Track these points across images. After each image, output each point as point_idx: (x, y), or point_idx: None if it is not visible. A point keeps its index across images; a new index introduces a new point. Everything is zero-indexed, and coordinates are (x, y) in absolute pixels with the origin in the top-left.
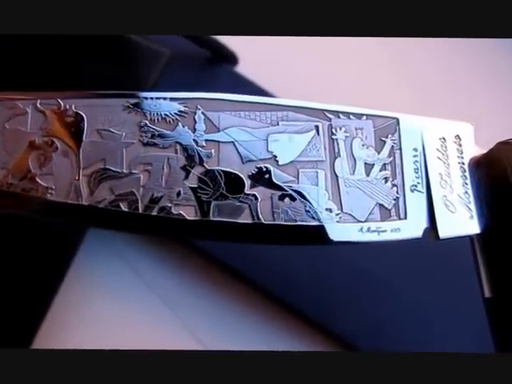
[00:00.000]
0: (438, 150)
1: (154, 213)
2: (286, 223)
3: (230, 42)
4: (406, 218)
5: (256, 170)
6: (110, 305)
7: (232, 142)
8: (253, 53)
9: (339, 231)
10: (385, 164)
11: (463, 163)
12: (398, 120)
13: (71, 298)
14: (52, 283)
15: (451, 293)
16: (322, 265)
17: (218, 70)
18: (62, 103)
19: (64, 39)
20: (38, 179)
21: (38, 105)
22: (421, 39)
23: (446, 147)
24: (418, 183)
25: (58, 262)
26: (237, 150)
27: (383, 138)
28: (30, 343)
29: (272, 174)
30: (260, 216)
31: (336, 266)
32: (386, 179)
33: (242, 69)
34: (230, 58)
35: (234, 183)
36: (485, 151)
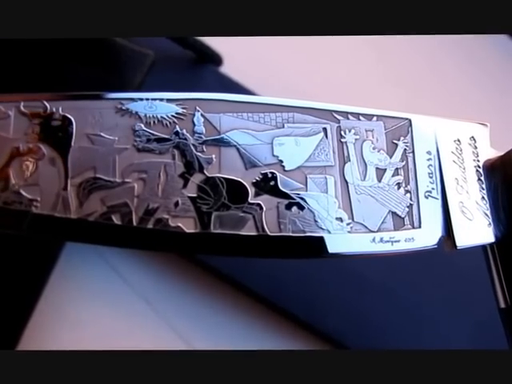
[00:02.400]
0: (453, 152)
1: (150, 226)
2: (294, 235)
3: (215, 42)
4: (420, 227)
5: (261, 176)
6: (94, 306)
7: (234, 146)
8: (237, 53)
9: (350, 242)
10: (397, 169)
11: (479, 166)
12: (410, 121)
13: (55, 300)
14: (36, 285)
15: (442, 290)
16: (310, 264)
17: (203, 71)
18: (47, 106)
19: (47, 43)
20: (21, 190)
21: (22, 107)
22: (409, 37)
23: (461, 150)
24: (433, 189)
25: (41, 264)
26: (240, 154)
27: (395, 141)
28: (16, 345)
29: (278, 181)
30: (265, 227)
31: (324, 265)
32: (399, 185)
33: (227, 69)
34: (215, 59)
35: (236, 192)
36: (501, 153)
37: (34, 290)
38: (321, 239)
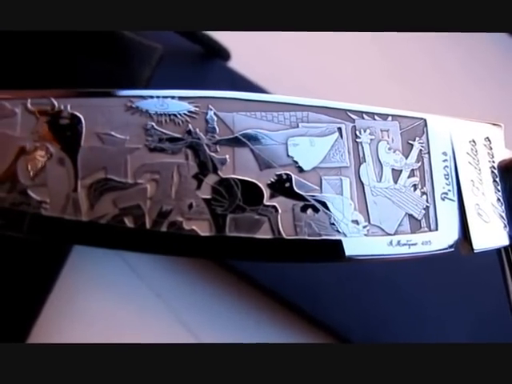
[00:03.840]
0: (468, 154)
1: (164, 229)
2: (310, 238)
3: (223, 37)
4: (437, 230)
5: (275, 177)
6: (104, 299)
7: (248, 146)
8: (245, 48)
9: (367, 246)
10: (413, 170)
11: (494, 168)
12: (425, 121)
13: (66, 293)
14: (47, 278)
15: (445, 285)
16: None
17: (211, 66)
18: (55, 103)
19: (55, 35)
20: (29, 191)
21: (29, 105)
22: (413, 34)
23: (476, 151)
24: (449, 191)
25: (52, 256)
26: (254, 155)
27: (410, 141)
28: (26, 338)
29: (293, 183)
30: (281, 230)
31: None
32: (415, 187)
33: (235, 64)
34: (223, 54)
35: (251, 193)
36: None
37: (46, 283)
38: (337, 243)
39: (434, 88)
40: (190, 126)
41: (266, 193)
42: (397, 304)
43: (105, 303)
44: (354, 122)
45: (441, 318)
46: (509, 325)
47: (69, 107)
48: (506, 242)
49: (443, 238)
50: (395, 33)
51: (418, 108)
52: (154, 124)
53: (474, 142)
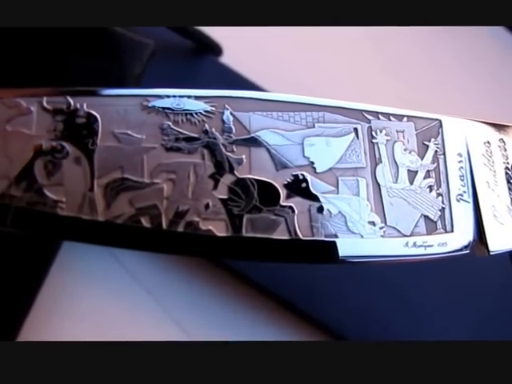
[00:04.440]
0: (483, 155)
1: (180, 229)
2: (327, 239)
3: (215, 32)
4: (452, 231)
5: (292, 178)
6: (94, 296)
7: (265, 146)
8: (237, 43)
9: (383, 247)
10: (428, 171)
11: (509, 169)
12: (440, 122)
13: (56, 291)
14: (36, 276)
15: (443, 282)
16: None
17: (203, 61)
18: (71, 101)
19: (46, 32)
20: (45, 191)
21: (45, 103)
22: (407, 28)
23: (491, 152)
24: (464, 192)
25: (42, 254)
26: (270, 155)
27: (426, 142)
28: (16, 336)
29: (309, 183)
30: (298, 231)
31: None
32: (431, 188)
33: (227, 59)
34: (215, 49)
35: (268, 193)
36: None
37: (35, 281)
38: (354, 244)
39: (429, 83)
40: (206, 125)
41: (283, 193)
42: (394, 301)
43: (95, 300)
44: (369, 123)
45: (439, 315)
46: (509, 323)
47: (85, 106)
48: None
49: (459, 239)
50: (389, 27)
51: (415, 104)
52: (170, 123)
53: (488, 143)
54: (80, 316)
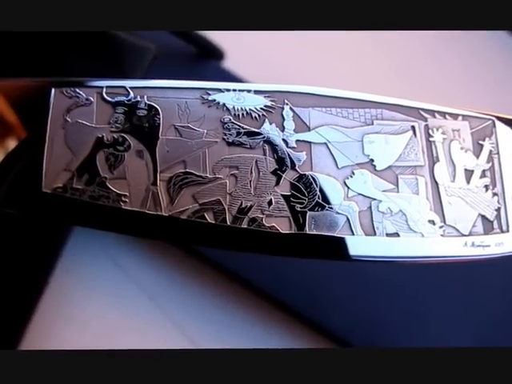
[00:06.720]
0: None
1: (244, 225)
2: (388, 238)
3: (217, 37)
4: (508, 231)
5: (353, 175)
6: (97, 302)
7: (325, 142)
8: (239, 48)
9: (443, 246)
10: (484, 170)
11: None
12: (493, 122)
13: (58, 298)
14: (38, 282)
15: (448, 288)
16: (314, 260)
17: (205, 66)
18: (131, 93)
19: (48, 36)
20: (108, 184)
21: (104, 94)
22: (411, 32)
23: None
24: None
25: (44, 260)
26: (330, 152)
27: (481, 142)
28: (18, 344)
29: (370, 181)
30: (360, 229)
31: (329, 262)
32: (486, 187)
33: (229, 64)
34: (217, 54)
35: (330, 190)
36: None
37: (37, 287)
38: (415, 242)
39: (432, 85)
40: (266, 120)
41: (344, 190)
42: (398, 307)
43: (97, 307)
44: (426, 121)
45: (444, 321)
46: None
47: (145, 98)
48: None
49: None
50: (394, 31)
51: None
52: (231, 117)
53: None
54: (82, 323)
